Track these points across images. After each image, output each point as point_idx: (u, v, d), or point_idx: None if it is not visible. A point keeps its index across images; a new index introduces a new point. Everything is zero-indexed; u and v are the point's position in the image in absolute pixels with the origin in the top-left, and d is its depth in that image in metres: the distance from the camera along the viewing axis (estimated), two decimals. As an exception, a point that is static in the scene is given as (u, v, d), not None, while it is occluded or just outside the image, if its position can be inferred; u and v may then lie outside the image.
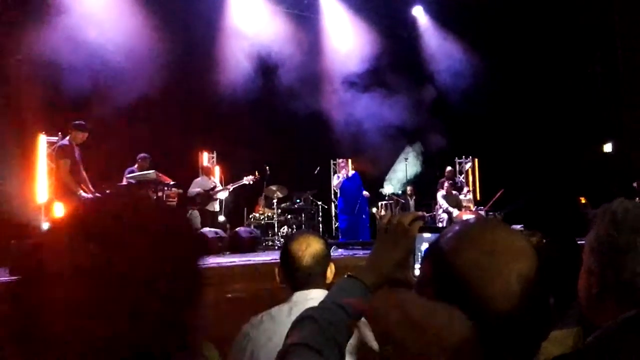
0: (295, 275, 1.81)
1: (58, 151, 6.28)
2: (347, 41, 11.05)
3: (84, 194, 6.08)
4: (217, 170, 10.87)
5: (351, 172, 9.50)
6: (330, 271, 1.88)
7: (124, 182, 7.14)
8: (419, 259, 1.05)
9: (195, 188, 8.66)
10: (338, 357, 0.97)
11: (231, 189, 8.96)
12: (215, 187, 8.84)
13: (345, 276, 1.08)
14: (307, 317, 1.00)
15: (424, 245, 1.06)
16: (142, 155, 7.67)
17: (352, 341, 1.02)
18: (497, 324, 0.75)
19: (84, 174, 6.29)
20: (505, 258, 0.77)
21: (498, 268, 0.76)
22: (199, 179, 8.94)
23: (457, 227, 0.85)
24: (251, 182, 8.80)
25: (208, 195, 8.66)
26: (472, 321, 0.75)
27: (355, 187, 9.23)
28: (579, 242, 1.71)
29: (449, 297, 0.78)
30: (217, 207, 8.90)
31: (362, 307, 0.86)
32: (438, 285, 0.80)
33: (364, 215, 9.24)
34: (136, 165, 7.57)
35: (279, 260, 1.91)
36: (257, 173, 8.87)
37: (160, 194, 6.46)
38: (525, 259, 0.78)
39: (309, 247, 1.82)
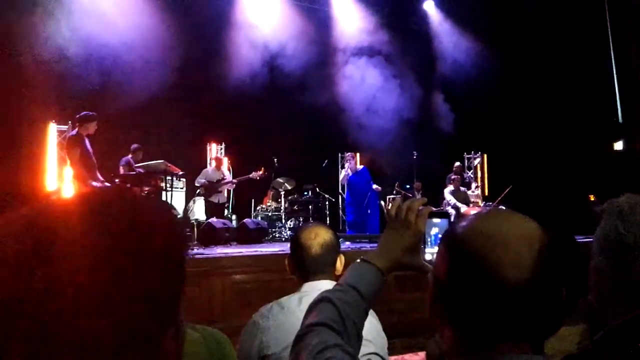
0: (304, 264, 1.83)
1: (68, 142, 6.36)
2: (356, 34, 11.00)
3: (94, 183, 6.13)
4: (225, 161, 10.91)
5: (360, 167, 9.48)
6: (340, 262, 1.90)
7: (121, 171, 7.19)
8: (429, 244, 1.06)
9: (202, 178, 8.65)
10: (356, 337, 0.98)
11: (237, 182, 8.97)
12: (222, 179, 8.81)
13: (358, 260, 1.09)
14: (324, 298, 1.01)
15: (433, 230, 1.08)
16: (135, 145, 7.74)
17: (367, 325, 1.03)
18: (512, 297, 0.76)
19: (95, 163, 6.34)
20: (517, 233, 0.79)
21: (509, 240, 0.78)
22: (207, 169, 8.93)
23: (470, 216, 0.88)
24: (258, 178, 8.78)
25: (213, 186, 8.62)
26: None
27: (363, 181, 9.21)
28: (579, 240, 1.70)
29: (463, 272, 0.80)
30: (222, 199, 8.85)
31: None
32: (452, 263, 0.82)
33: (372, 210, 9.21)
34: (130, 156, 7.63)
35: (288, 252, 1.94)
36: (263, 169, 8.84)
37: (168, 183, 6.51)
38: (535, 237, 0.80)
39: (318, 237, 1.85)
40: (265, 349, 1.65)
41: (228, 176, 9.17)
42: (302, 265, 1.85)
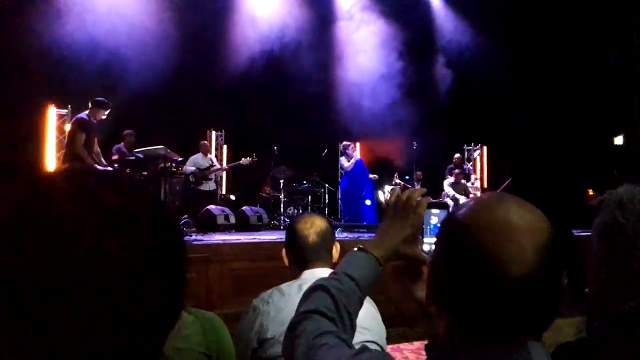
0: (302, 254, 1.84)
1: (75, 124, 6.24)
2: (357, 23, 10.93)
3: (98, 167, 6.09)
4: (224, 149, 10.89)
5: (357, 157, 9.41)
6: (336, 250, 1.91)
7: (115, 157, 7.14)
8: (427, 234, 1.06)
9: (190, 166, 8.39)
10: (350, 325, 0.98)
11: (227, 168, 8.86)
12: (211, 166, 8.61)
13: (355, 249, 1.08)
14: (319, 286, 1.01)
15: (432, 220, 1.07)
16: (127, 131, 7.60)
17: (361, 312, 1.03)
18: (513, 292, 0.75)
19: (97, 148, 6.32)
20: (520, 225, 0.77)
21: (513, 233, 0.76)
22: (195, 156, 8.58)
23: (471, 201, 0.85)
24: (248, 164, 8.68)
25: (202, 174, 8.44)
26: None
27: (359, 172, 9.18)
28: (575, 233, 1.71)
29: (463, 262, 0.78)
30: (212, 187, 8.69)
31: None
32: (453, 254, 0.80)
33: (369, 200, 9.18)
34: (122, 143, 7.50)
35: (285, 242, 1.94)
36: (254, 155, 8.73)
37: (167, 167, 6.49)
38: (540, 229, 0.78)
39: (314, 225, 1.85)
40: (264, 333, 1.67)
41: (216, 163, 9.00)
42: (300, 255, 1.84)
